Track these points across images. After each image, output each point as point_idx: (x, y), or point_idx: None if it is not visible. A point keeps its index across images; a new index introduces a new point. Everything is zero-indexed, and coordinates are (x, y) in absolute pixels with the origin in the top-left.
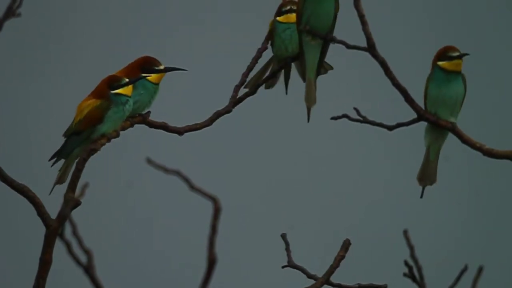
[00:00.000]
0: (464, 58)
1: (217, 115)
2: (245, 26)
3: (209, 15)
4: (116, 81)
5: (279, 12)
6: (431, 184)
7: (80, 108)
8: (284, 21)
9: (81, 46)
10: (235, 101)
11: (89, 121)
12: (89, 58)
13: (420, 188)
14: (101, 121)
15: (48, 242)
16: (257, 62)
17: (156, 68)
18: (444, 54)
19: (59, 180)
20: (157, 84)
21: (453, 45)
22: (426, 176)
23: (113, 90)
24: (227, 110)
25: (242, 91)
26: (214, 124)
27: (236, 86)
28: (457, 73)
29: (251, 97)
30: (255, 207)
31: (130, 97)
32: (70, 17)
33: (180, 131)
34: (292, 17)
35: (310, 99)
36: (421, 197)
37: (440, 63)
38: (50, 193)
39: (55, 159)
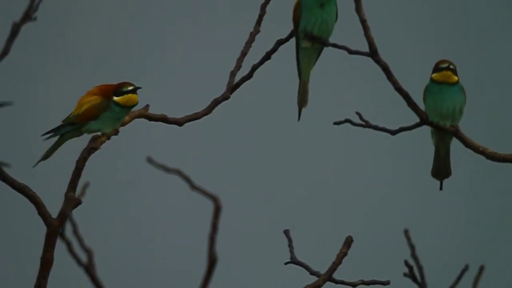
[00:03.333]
0: (467, 67)
1: (216, 102)
2: (235, 16)
3: (200, 7)
4: (120, 88)
5: None
6: (447, 177)
7: (81, 102)
8: None
9: (81, 46)
10: (232, 87)
11: (85, 117)
12: (89, 58)
13: (422, 186)
14: (95, 119)
15: (49, 242)
16: (251, 46)
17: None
18: (435, 66)
19: (44, 157)
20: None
21: (456, 43)
22: (440, 171)
23: (116, 96)
24: (225, 97)
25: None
26: (217, 123)
27: (232, 72)
28: (452, 84)
29: (254, 101)
30: (258, 203)
31: (129, 106)
32: (71, 17)
33: (180, 122)
34: None
35: (304, 101)
36: (441, 189)
37: (433, 75)
38: (34, 166)
39: (49, 135)
